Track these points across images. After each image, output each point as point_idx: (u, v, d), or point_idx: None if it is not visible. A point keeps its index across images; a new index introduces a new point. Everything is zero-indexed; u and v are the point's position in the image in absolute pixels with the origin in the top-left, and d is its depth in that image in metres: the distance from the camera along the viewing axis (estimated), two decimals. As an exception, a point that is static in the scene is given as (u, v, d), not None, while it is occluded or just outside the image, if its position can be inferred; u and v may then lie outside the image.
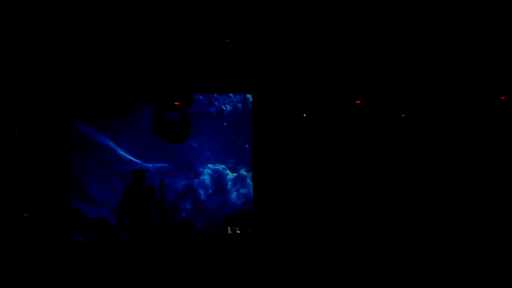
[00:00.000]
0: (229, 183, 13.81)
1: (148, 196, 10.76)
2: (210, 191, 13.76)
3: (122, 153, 13.33)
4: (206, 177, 13.76)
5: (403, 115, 13.02)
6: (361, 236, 12.31)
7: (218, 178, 13.79)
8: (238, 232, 12.29)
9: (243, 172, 13.83)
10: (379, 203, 12.98)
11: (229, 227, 12.22)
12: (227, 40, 11.72)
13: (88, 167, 13.11)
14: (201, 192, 13.73)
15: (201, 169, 13.73)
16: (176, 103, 12.15)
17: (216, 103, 13.81)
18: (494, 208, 12.52)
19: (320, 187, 13.17)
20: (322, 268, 10.39)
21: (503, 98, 12.55)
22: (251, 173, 13.74)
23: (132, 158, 13.33)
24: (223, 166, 13.81)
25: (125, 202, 11.02)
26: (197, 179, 13.72)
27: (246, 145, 13.81)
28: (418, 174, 12.97)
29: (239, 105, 13.88)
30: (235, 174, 13.83)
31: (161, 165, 13.39)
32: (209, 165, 13.77)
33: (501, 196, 12.58)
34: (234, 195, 13.80)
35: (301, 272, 10.15)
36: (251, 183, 13.74)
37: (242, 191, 13.80)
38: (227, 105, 13.87)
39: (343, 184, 13.16)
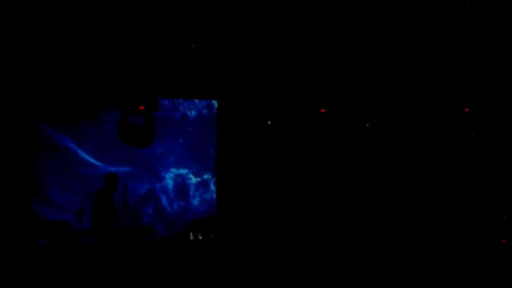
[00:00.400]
0: (192, 188, 13.87)
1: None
2: (173, 196, 13.81)
3: (86, 156, 13.32)
4: (169, 182, 13.81)
5: (367, 124, 13.18)
6: (323, 244, 12.43)
7: (181, 183, 13.85)
8: (200, 238, 12.32)
9: (206, 177, 13.90)
10: (341, 210, 13.14)
11: (191, 233, 12.24)
12: (193, 46, 11.78)
13: (50, 170, 13.07)
14: (164, 197, 13.77)
15: (164, 174, 13.78)
16: (141, 107, 12.12)
17: (181, 108, 13.86)
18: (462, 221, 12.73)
19: (283, 194, 13.29)
20: (284, 275, 10.49)
21: (466, 110, 12.79)
22: (214, 178, 13.80)
23: (95, 162, 13.33)
24: (186, 171, 13.87)
25: (94, 206, 11.11)
26: (160, 184, 13.76)
27: (211, 151, 13.89)
28: (380, 183, 13.16)
29: (204, 110, 13.94)
30: (198, 179, 13.89)
31: (124, 169, 13.39)
32: (173, 169, 13.82)
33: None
34: (197, 201, 13.87)
35: (262, 279, 10.25)
36: (214, 189, 13.81)
37: (205, 196, 13.87)
38: (192, 111, 13.93)
39: (306, 191, 13.30)
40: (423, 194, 12.99)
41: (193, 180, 13.86)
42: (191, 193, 13.84)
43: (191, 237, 12.13)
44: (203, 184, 13.90)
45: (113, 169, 13.11)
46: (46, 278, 10.33)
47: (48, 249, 11.67)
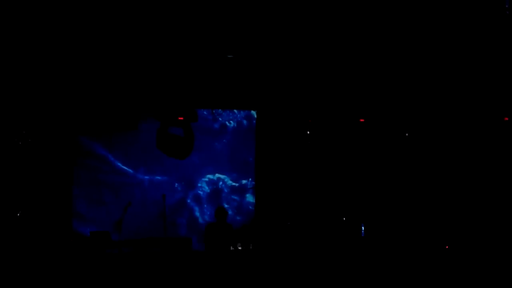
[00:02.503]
0: (229, 198, 14.13)
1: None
2: (209, 205, 14.08)
3: (125, 167, 13.68)
4: (206, 192, 14.09)
5: (406, 134, 13.34)
6: (363, 252, 12.62)
7: (218, 193, 14.12)
8: (240, 248, 12.56)
9: (244, 187, 14.16)
10: (381, 221, 13.30)
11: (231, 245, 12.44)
12: (230, 56, 12.07)
13: (87, 183, 13.50)
14: (199, 206, 14.05)
15: (201, 184, 14.06)
16: (180, 118, 12.46)
17: (220, 119, 14.18)
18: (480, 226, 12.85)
19: (322, 203, 13.48)
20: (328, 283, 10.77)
21: (506, 119, 12.88)
22: (252, 189, 14.08)
23: (133, 172, 13.70)
24: (224, 180, 14.13)
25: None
26: (196, 193, 14.04)
27: (250, 160, 14.20)
28: (420, 193, 13.29)
29: (244, 121, 14.25)
30: (236, 189, 14.16)
31: (163, 179, 13.73)
32: (209, 179, 14.10)
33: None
34: (232, 210, 14.12)
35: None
36: (251, 199, 14.07)
37: (242, 205, 14.13)
38: (231, 121, 14.25)
39: (345, 201, 13.47)
40: (456, 198, 13.17)
41: (231, 190, 14.14)
42: (227, 202, 14.09)
43: (231, 248, 12.34)
44: (241, 194, 14.17)
45: (151, 178, 13.49)
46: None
47: (90, 259, 11.99)
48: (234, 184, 14.19)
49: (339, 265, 11.86)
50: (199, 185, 14.07)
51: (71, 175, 13.13)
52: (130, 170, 13.71)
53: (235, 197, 14.20)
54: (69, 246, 12.45)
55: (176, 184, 13.95)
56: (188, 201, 14.04)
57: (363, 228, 13.06)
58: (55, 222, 12.64)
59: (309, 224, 13.23)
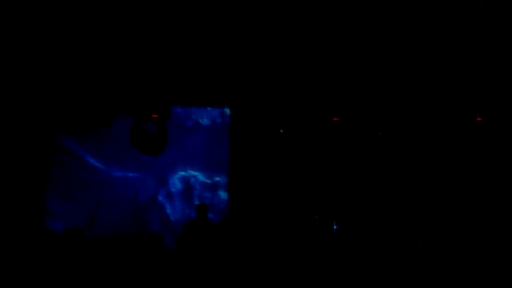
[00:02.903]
0: (202, 195, 14.22)
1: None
2: (181, 202, 14.14)
3: (98, 164, 13.67)
4: (178, 188, 14.14)
5: (379, 133, 13.51)
6: (336, 250, 12.76)
7: (190, 190, 14.19)
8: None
9: (217, 184, 14.26)
10: (353, 218, 13.46)
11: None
12: (204, 54, 12.16)
13: (63, 179, 13.45)
14: (172, 203, 14.11)
15: (174, 180, 14.11)
16: (154, 115, 12.51)
17: (193, 116, 14.24)
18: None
19: (295, 201, 13.61)
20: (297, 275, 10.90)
21: (479, 119, 13.09)
22: (225, 187, 14.20)
23: (107, 169, 13.69)
24: (196, 177, 14.20)
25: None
26: (168, 190, 14.09)
27: (223, 158, 14.28)
28: (392, 191, 13.48)
29: (217, 118, 14.33)
30: (209, 187, 14.25)
31: (135, 175, 13.76)
32: (182, 175, 14.15)
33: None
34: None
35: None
36: (224, 197, 14.17)
37: (214, 203, 14.22)
38: (204, 119, 14.31)
39: (317, 199, 13.62)
40: (429, 197, 13.38)
41: (203, 187, 14.22)
42: (200, 199, 14.17)
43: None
44: (214, 191, 14.26)
45: (123, 174, 13.52)
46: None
47: (62, 256, 11.99)
48: (206, 181, 14.25)
49: (312, 262, 11.99)
50: (171, 182, 14.11)
51: (45, 172, 13.10)
52: (102, 167, 13.69)
53: (208, 194, 14.27)
54: (42, 243, 12.42)
55: (148, 181, 13.97)
56: (160, 198, 14.07)
57: (335, 226, 13.22)
58: (27, 219, 12.60)
59: (282, 223, 13.36)
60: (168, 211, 14.08)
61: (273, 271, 11.49)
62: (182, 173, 14.15)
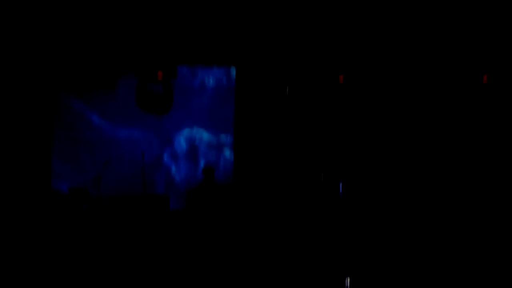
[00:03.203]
0: (207, 154, 14.28)
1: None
2: (186, 162, 14.20)
3: (103, 125, 13.70)
4: (183, 148, 14.19)
5: (386, 91, 13.49)
6: (341, 211, 12.85)
7: (195, 148, 14.24)
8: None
9: (223, 142, 14.31)
10: (359, 178, 13.51)
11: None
12: (211, 12, 12.13)
13: (60, 138, 13.50)
14: (175, 163, 14.17)
15: (180, 140, 14.15)
16: (159, 74, 12.51)
17: (199, 76, 14.22)
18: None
19: (300, 161, 13.66)
20: (302, 244, 10.97)
21: (485, 79, 13.06)
22: (230, 146, 14.24)
23: (112, 129, 13.73)
24: (201, 136, 14.25)
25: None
26: (172, 150, 14.14)
27: (228, 118, 14.28)
28: (400, 152, 13.49)
29: (223, 78, 14.31)
30: (214, 145, 14.30)
31: (142, 136, 13.80)
32: (188, 135, 14.19)
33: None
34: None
35: (282, 247, 10.73)
36: (230, 156, 14.23)
37: (219, 162, 14.29)
38: (210, 78, 14.29)
39: (323, 159, 13.66)
40: (436, 157, 13.38)
41: (208, 146, 14.26)
42: (205, 159, 14.22)
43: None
44: (218, 151, 14.31)
45: (128, 134, 13.57)
46: (66, 244, 10.79)
47: (69, 215, 12.09)
48: (212, 140, 14.29)
49: (317, 224, 12.09)
50: (176, 141, 14.15)
51: (51, 132, 13.13)
52: (107, 127, 13.74)
53: (213, 153, 14.32)
54: (48, 203, 12.53)
55: (153, 140, 14.02)
56: (165, 157, 14.13)
57: (340, 186, 13.28)
58: (34, 179, 12.68)
59: (287, 183, 13.43)
60: (173, 171, 14.15)
61: (279, 231, 11.60)
62: (188, 132, 14.19)
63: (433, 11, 12.49)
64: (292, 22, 12.61)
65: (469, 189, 13.09)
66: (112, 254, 10.51)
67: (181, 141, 14.18)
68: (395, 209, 12.68)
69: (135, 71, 12.61)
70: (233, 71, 14.15)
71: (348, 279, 9.48)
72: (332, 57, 13.36)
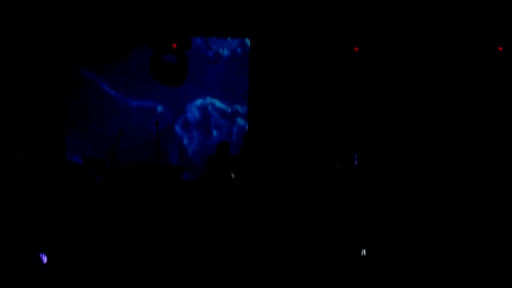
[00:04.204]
0: (220, 124, 14.43)
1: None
2: (199, 133, 14.36)
3: (118, 96, 13.86)
4: (196, 118, 14.34)
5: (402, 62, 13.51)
6: (355, 185, 12.95)
7: (207, 118, 14.40)
8: (233, 176, 12.86)
9: (237, 115, 14.45)
10: (373, 151, 13.59)
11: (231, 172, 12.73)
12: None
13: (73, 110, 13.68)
14: (187, 133, 14.32)
15: (192, 109, 14.30)
16: (173, 46, 12.63)
17: (213, 46, 14.34)
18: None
19: (314, 132, 13.77)
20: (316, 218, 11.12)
21: (500, 49, 13.07)
22: (244, 118, 14.38)
23: (120, 97, 13.88)
24: (214, 105, 14.39)
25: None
26: (185, 119, 14.30)
27: (243, 88, 14.46)
28: (417, 125, 13.53)
29: (238, 49, 14.42)
30: (228, 117, 14.44)
31: (156, 106, 13.96)
32: (202, 105, 14.34)
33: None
34: (227, 137, 14.46)
35: (297, 221, 10.90)
36: (244, 126, 14.38)
37: (232, 132, 14.45)
38: (225, 49, 14.41)
39: (337, 131, 13.76)
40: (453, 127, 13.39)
41: (224, 117, 14.41)
42: (220, 130, 14.38)
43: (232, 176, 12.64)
44: (233, 122, 14.45)
45: (142, 104, 13.73)
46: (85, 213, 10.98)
47: (84, 187, 12.26)
48: (226, 110, 14.45)
49: (330, 194, 12.19)
50: (189, 112, 14.32)
51: (65, 103, 13.31)
52: (120, 97, 13.90)
53: (226, 123, 14.48)
54: (64, 173, 12.71)
55: (166, 110, 14.17)
56: (177, 127, 14.29)
57: (356, 159, 13.39)
58: (49, 151, 12.87)
59: (301, 153, 13.56)
60: (185, 140, 14.32)
61: (291, 205, 11.72)
62: (201, 102, 14.35)
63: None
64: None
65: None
66: (127, 224, 10.69)
67: (194, 111, 14.34)
68: (412, 185, 12.71)
69: (150, 42, 12.72)
70: (248, 42, 14.28)
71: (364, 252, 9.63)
72: (348, 28, 13.40)
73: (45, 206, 11.08)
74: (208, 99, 14.41)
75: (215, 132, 14.45)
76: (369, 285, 8.93)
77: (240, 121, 14.51)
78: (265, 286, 8.95)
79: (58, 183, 12.25)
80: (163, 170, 12.62)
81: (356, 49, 13.40)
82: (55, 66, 13.07)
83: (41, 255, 8.96)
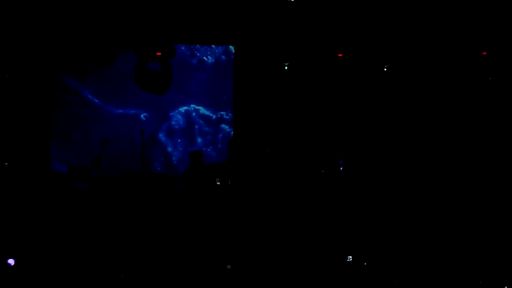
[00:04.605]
0: (204, 131, 14.50)
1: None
2: (183, 140, 14.41)
3: (102, 104, 13.87)
4: (181, 125, 14.39)
5: (385, 69, 13.65)
6: (341, 190, 13.06)
7: (192, 125, 14.46)
8: (218, 183, 12.92)
9: (222, 121, 14.53)
10: (358, 156, 13.72)
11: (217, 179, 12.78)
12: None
13: (67, 120, 13.72)
14: (171, 141, 14.37)
15: (176, 117, 14.35)
16: (158, 54, 12.68)
17: (198, 54, 14.41)
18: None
19: (299, 138, 13.87)
20: (301, 221, 11.22)
21: (484, 53, 13.21)
22: (229, 124, 14.46)
23: (111, 109, 13.91)
24: (199, 112, 14.46)
25: None
26: (169, 126, 14.35)
27: (228, 95, 14.56)
28: (400, 127, 13.67)
29: (222, 56, 14.51)
30: (212, 124, 14.52)
31: (140, 114, 13.99)
32: (185, 110, 14.39)
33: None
34: (207, 145, 14.54)
35: (283, 224, 11.00)
36: (228, 132, 14.47)
37: (217, 139, 14.53)
38: (209, 56, 14.49)
39: (323, 136, 13.87)
40: (438, 133, 13.52)
41: (208, 125, 14.48)
42: (205, 137, 14.44)
43: (217, 182, 12.69)
44: (217, 130, 14.52)
45: (125, 112, 13.78)
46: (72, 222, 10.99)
47: (69, 195, 12.23)
48: (210, 116, 14.51)
49: (316, 199, 12.28)
50: (173, 118, 14.35)
51: (49, 112, 13.30)
52: (104, 105, 13.92)
53: (210, 130, 14.56)
54: (49, 183, 12.69)
55: (150, 117, 14.20)
56: (161, 135, 14.32)
57: (341, 163, 13.51)
58: (33, 160, 12.86)
59: (288, 159, 13.66)
60: (169, 148, 14.36)
61: (279, 207, 11.80)
62: (186, 109, 14.40)
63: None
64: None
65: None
66: (115, 232, 10.72)
67: (178, 118, 14.39)
68: (398, 189, 12.82)
69: (134, 50, 12.75)
70: (232, 49, 14.38)
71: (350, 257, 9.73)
72: (332, 34, 13.50)
73: (30, 214, 11.09)
74: (193, 106, 14.46)
75: (199, 139, 14.50)
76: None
77: (225, 127, 14.58)
78: (245, 280, 9.11)
79: (43, 191, 12.24)
80: (148, 179, 12.67)
81: (340, 55, 13.53)
82: (39, 73, 13.06)
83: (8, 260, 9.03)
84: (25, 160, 12.74)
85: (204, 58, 14.50)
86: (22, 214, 11.05)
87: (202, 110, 14.49)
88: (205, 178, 12.55)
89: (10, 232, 10.31)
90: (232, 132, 14.47)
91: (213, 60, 14.55)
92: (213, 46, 14.43)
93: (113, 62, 13.24)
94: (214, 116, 14.58)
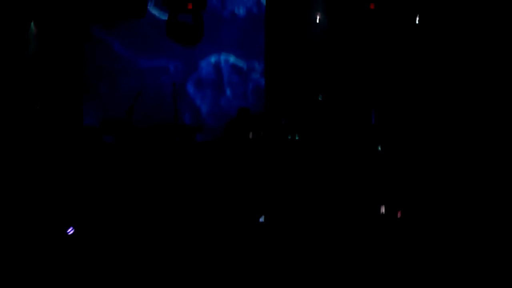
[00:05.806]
0: (234, 81, 14.73)
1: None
2: (214, 91, 14.61)
3: (134, 57, 14.02)
4: (212, 76, 14.57)
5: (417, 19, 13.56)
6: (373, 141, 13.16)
7: (222, 75, 14.65)
8: (251, 137, 13.08)
9: (253, 69, 14.70)
10: (389, 112, 13.75)
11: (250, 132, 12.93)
12: None
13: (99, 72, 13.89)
14: (206, 91, 14.56)
15: (207, 68, 14.52)
16: (189, 6, 12.83)
17: (229, 6, 14.50)
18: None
19: (330, 91, 13.99)
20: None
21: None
22: (260, 74, 14.66)
23: (133, 57, 14.08)
24: (229, 61, 14.64)
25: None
26: (200, 78, 14.53)
27: (259, 46, 14.72)
28: (432, 82, 13.65)
29: (253, 8, 14.62)
30: (244, 74, 14.70)
31: (172, 66, 14.16)
32: (217, 63, 14.55)
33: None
34: (241, 96, 14.78)
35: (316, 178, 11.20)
36: (261, 84, 14.68)
37: (248, 90, 14.72)
38: (240, 9, 14.59)
39: (353, 90, 13.97)
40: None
41: (238, 75, 14.65)
42: (236, 88, 14.65)
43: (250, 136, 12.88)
44: (248, 79, 14.69)
45: (157, 64, 13.95)
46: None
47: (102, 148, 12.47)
48: (241, 65, 14.69)
49: (348, 152, 12.44)
50: (202, 69, 14.50)
51: (81, 62, 13.45)
52: (132, 56, 14.04)
53: (240, 80, 14.75)
54: (81, 135, 12.91)
55: (179, 68, 14.34)
56: (189, 86, 14.46)
57: (373, 115, 13.58)
58: (66, 114, 13.06)
59: (320, 111, 13.79)
60: (198, 100, 14.52)
61: (310, 161, 11.98)
62: (215, 59, 14.54)
63: None
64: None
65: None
66: (146, 184, 10.96)
67: (208, 68, 14.54)
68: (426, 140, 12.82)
69: (165, 2, 12.92)
70: (264, 0, 14.51)
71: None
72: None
73: (62, 167, 11.31)
74: (223, 55, 14.62)
75: (228, 91, 14.67)
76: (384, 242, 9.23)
77: (257, 78, 14.75)
78: (278, 234, 9.31)
79: (76, 144, 12.47)
80: (181, 131, 12.91)
81: (372, 6, 13.54)
82: (71, 25, 13.16)
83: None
84: (58, 112, 12.92)
85: (236, 10, 14.62)
86: (51, 167, 11.26)
87: (232, 58, 14.64)
88: (240, 132, 12.72)
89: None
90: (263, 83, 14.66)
91: (245, 12, 14.67)
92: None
93: (144, 14, 13.40)
94: (245, 66, 14.75)
